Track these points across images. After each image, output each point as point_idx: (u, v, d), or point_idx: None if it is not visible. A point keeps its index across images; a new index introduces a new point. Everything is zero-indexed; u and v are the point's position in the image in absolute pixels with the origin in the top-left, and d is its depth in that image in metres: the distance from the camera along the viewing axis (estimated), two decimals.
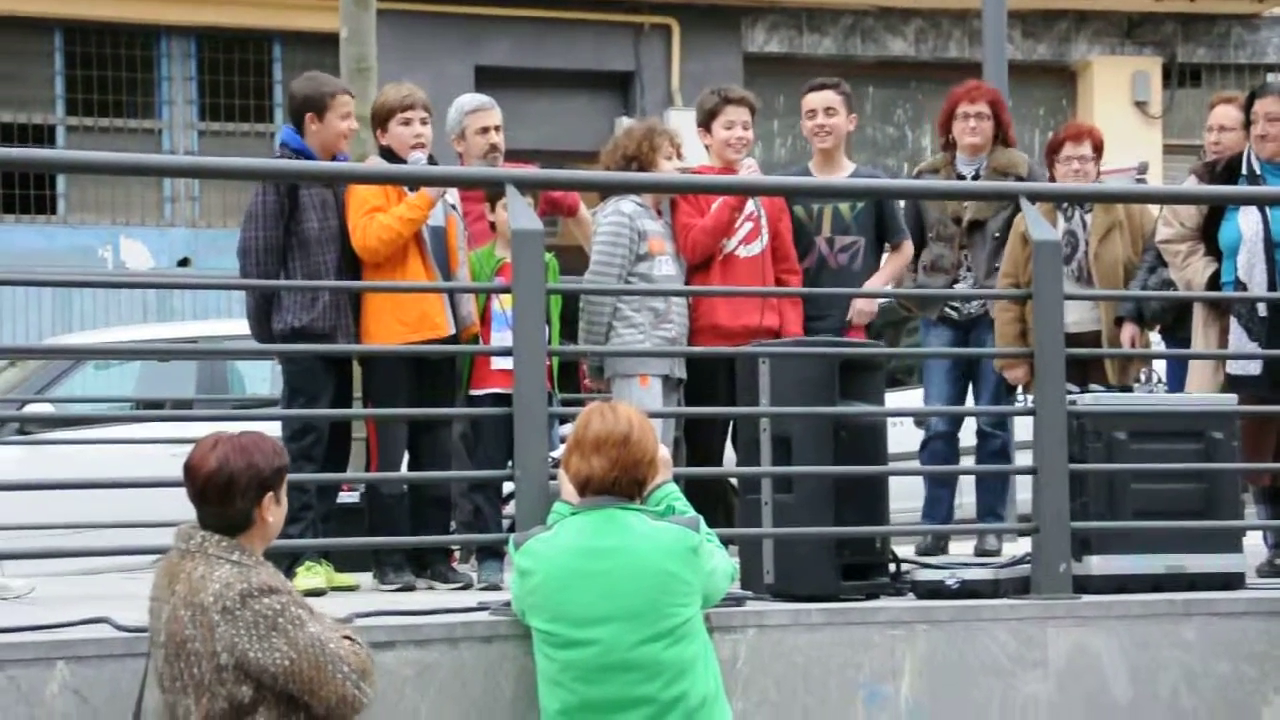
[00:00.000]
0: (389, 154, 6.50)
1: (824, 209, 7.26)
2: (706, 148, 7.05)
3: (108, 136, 16.28)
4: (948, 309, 7.60)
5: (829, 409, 5.45)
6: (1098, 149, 7.49)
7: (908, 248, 7.48)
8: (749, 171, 6.95)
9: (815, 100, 7.36)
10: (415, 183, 6.27)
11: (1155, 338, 7.84)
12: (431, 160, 6.48)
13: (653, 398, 6.36)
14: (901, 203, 7.72)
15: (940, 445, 7.61)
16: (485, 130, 6.93)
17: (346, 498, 6.93)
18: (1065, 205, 7.41)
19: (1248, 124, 6.64)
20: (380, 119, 6.54)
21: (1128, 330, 7.37)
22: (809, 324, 6.96)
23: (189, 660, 3.98)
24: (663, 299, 6.53)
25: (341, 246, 6.30)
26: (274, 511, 4.15)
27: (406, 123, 6.45)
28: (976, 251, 7.53)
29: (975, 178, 7.54)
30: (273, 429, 5.77)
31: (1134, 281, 7.33)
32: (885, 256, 7.46)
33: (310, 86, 6.42)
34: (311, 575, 5.98)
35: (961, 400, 7.67)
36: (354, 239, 6.28)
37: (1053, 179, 7.49)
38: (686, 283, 6.75)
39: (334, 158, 6.42)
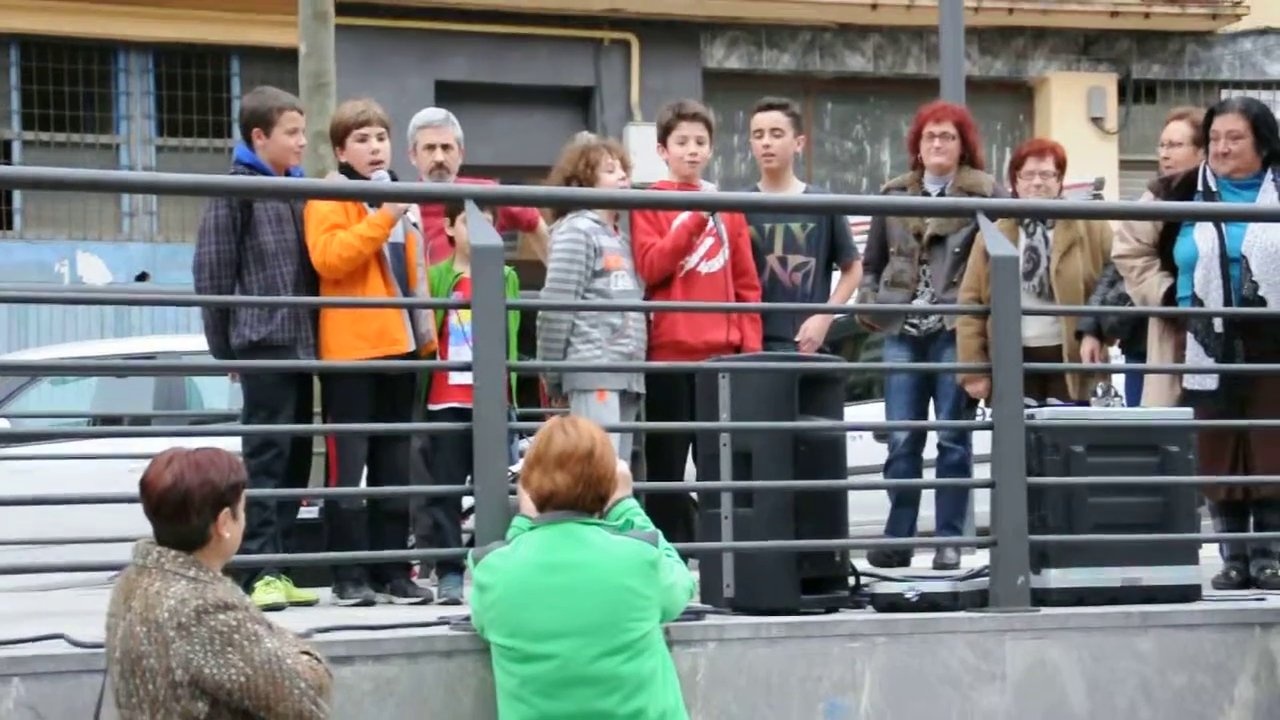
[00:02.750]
0: (349, 170, 6.48)
1: (776, 228, 7.28)
2: (667, 164, 7.07)
3: (65, 151, 16.22)
4: (906, 325, 7.64)
5: (789, 423, 5.47)
6: (1060, 165, 7.56)
7: (858, 269, 7.53)
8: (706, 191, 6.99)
9: (762, 121, 7.39)
10: (374, 199, 6.26)
11: (1115, 352, 7.89)
12: (393, 177, 6.46)
13: (610, 412, 6.37)
14: (855, 222, 7.77)
15: (903, 465, 7.63)
16: (431, 147, 6.89)
17: (306, 513, 6.90)
18: (1027, 221, 7.46)
19: (1206, 140, 6.69)
20: (337, 136, 6.54)
21: (1087, 344, 7.41)
22: (762, 343, 6.97)
23: (144, 677, 3.96)
24: (619, 314, 6.54)
25: (299, 259, 6.28)
26: (230, 527, 4.13)
27: (363, 139, 6.44)
28: (936, 266, 7.58)
29: (941, 196, 7.58)
30: (233, 444, 5.77)
31: (1094, 296, 7.38)
32: (836, 278, 7.50)
33: (257, 101, 6.42)
34: (270, 590, 5.95)
35: (923, 419, 7.70)
36: (313, 256, 6.26)
37: (1015, 194, 7.54)
38: (648, 298, 6.76)
39: (287, 172, 6.40)
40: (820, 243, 7.35)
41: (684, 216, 6.76)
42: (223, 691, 3.95)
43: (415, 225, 6.53)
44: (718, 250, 6.89)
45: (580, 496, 4.59)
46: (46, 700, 4.40)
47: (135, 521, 4.26)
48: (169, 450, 4.16)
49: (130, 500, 4.26)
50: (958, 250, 7.51)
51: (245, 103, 6.50)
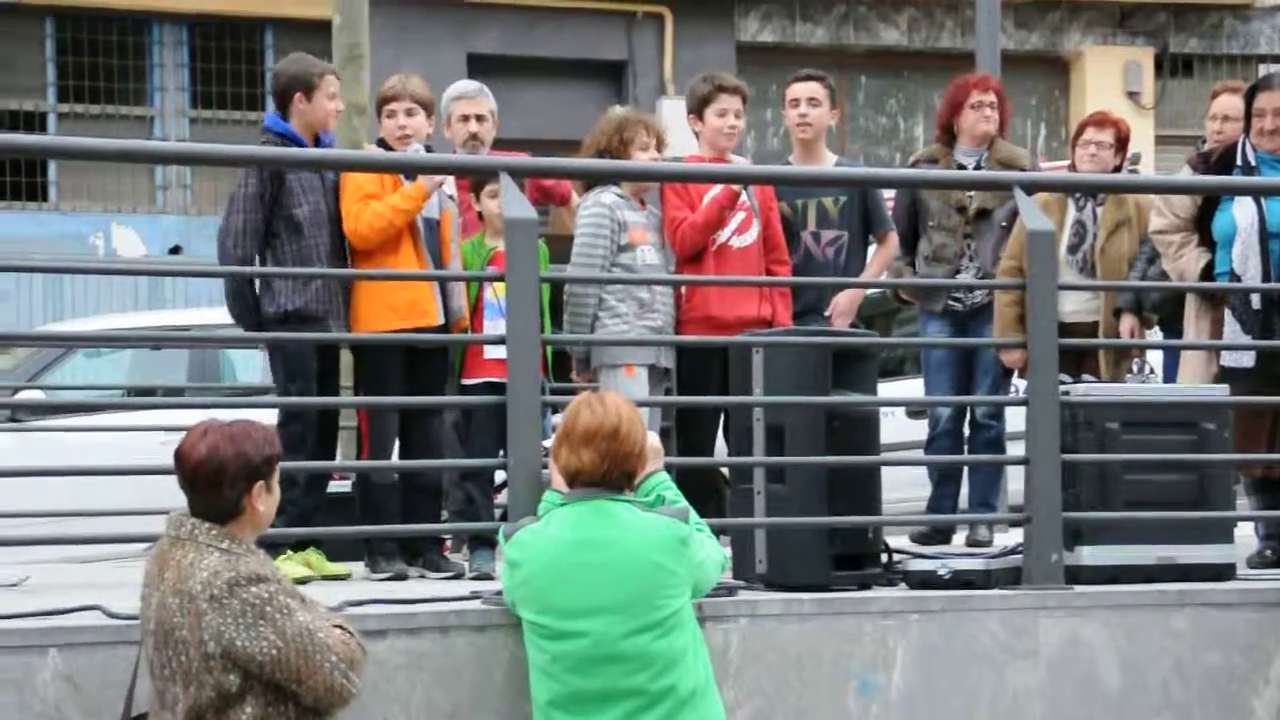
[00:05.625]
0: (386, 144, 6.49)
1: (808, 202, 7.23)
2: (697, 135, 7.03)
3: (99, 123, 16.27)
4: (950, 300, 7.57)
5: (822, 399, 5.45)
6: (1120, 140, 7.52)
7: (893, 240, 7.47)
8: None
9: (799, 90, 7.34)
10: (409, 170, 6.26)
11: (1154, 331, 7.83)
12: (428, 150, 6.45)
13: (639, 387, 6.35)
14: (889, 194, 7.71)
15: (946, 443, 7.59)
16: (466, 118, 6.87)
17: (338, 486, 6.91)
18: (1078, 195, 7.41)
19: (1247, 115, 6.63)
20: (377, 110, 6.58)
21: (1126, 322, 7.36)
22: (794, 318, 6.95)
23: (177, 648, 3.98)
24: (646, 288, 6.52)
25: (334, 229, 6.30)
26: (264, 500, 4.14)
27: (390, 115, 6.46)
28: (983, 240, 7.51)
29: (977, 169, 7.53)
30: (262, 415, 5.78)
31: (1132, 273, 7.33)
32: (872, 249, 7.45)
33: (298, 66, 6.42)
34: (292, 564, 5.93)
35: (967, 395, 7.65)
36: (346, 224, 6.27)
37: (1074, 164, 7.54)
38: (678, 273, 6.74)
39: (318, 139, 6.40)
40: (853, 215, 7.29)
41: (716, 191, 6.73)
42: (254, 664, 3.97)
43: (451, 198, 6.53)
44: (749, 225, 6.86)
45: (607, 474, 4.58)
46: (83, 671, 4.43)
47: (169, 493, 4.27)
48: (204, 422, 4.17)
49: (164, 472, 4.28)
50: (1005, 224, 7.44)
51: (284, 68, 6.45)
